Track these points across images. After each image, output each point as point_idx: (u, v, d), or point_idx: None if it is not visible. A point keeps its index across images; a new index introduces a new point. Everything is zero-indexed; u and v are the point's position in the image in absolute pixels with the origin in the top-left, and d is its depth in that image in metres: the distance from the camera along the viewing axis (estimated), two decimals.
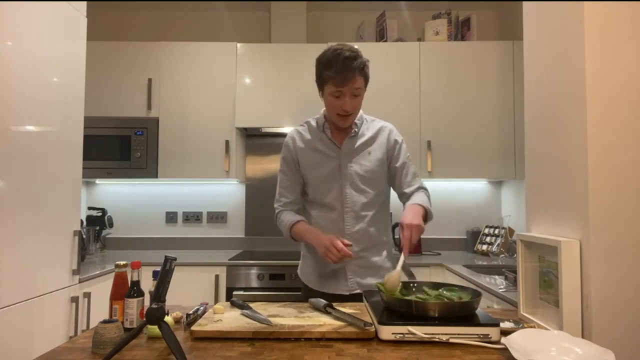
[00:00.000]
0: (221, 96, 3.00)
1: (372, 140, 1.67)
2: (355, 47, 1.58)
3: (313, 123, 1.72)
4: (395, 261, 1.52)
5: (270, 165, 3.34)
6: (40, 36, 1.85)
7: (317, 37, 3.42)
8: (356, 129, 1.66)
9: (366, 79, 1.59)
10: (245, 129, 3.08)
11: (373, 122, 1.72)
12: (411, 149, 2.93)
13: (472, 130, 2.96)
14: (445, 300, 1.23)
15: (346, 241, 1.49)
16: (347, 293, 1.63)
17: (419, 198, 1.59)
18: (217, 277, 2.63)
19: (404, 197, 1.67)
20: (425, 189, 1.68)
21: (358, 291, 1.61)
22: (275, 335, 1.12)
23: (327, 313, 1.28)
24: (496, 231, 3.00)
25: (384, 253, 1.68)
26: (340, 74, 1.51)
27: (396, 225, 2.80)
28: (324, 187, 1.64)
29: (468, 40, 3.12)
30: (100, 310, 2.28)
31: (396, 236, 1.79)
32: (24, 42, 1.75)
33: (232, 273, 2.66)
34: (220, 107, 3.00)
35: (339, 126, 1.64)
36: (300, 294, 1.77)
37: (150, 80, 2.99)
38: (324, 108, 1.66)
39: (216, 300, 2.62)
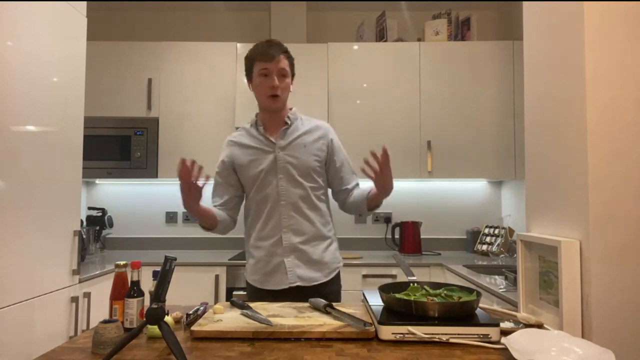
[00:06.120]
0: (221, 96, 3.00)
1: (307, 134, 1.72)
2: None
3: (247, 125, 1.77)
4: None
5: None
6: (40, 36, 1.85)
7: (317, 37, 3.42)
8: (289, 122, 1.70)
9: (291, 66, 1.68)
10: None
11: (309, 120, 1.78)
12: (411, 149, 2.97)
13: (472, 130, 2.97)
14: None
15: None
16: (287, 287, 1.62)
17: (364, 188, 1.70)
18: (217, 277, 2.63)
19: (344, 193, 1.76)
20: (358, 184, 1.78)
21: (299, 284, 1.62)
22: (275, 335, 1.12)
23: (327, 313, 1.28)
24: (496, 231, 3.00)
25: (325, 246, 1.69)
26: (266, 51, 1.61)
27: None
28: (261, 182, 1.67)
29: (468, 40, 3.12)
30: (100, 310, 2.28)
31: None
32: (24, 42, 1.75)
33: (232, 273, 2.66)
34: (220, 107, 3.00)
35: (271, 109, 1.67)
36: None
37: (150, 80, 2.99)
38: (257, 111, 1.74)
39: (216, 300, 2.62)
